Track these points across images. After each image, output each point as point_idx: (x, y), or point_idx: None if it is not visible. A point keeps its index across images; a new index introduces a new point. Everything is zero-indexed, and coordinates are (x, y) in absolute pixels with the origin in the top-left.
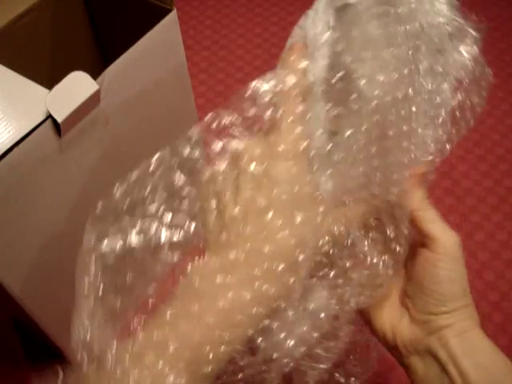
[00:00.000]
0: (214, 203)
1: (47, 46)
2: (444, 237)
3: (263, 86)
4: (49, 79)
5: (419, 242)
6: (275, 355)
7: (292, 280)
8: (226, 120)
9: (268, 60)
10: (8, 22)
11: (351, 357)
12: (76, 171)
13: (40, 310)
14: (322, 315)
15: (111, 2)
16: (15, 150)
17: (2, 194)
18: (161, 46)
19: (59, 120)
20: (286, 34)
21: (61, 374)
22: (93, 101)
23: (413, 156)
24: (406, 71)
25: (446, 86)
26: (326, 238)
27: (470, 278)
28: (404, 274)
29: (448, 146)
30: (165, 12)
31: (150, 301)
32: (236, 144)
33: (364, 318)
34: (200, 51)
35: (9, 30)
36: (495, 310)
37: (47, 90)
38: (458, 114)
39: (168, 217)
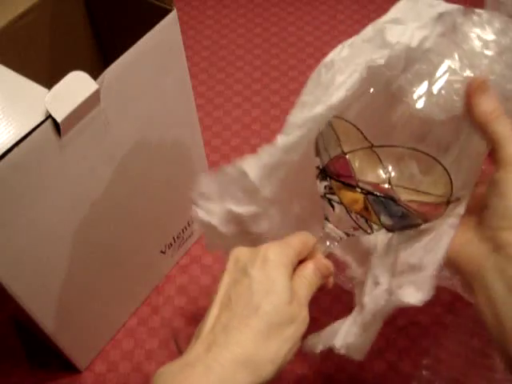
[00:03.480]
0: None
1: (47, 46)
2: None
3: None
4: (49, 79)
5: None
6: None
7: None
8: None
9: (268, 60)
10: (8, 22)
11: None
12: (76, 171)
13: (40, 309)
14: None
15: (111, 2)
16: (15, 149)
17: (2, 194)
18: (161, 46)
19: (59, 120)
20: (286, 34)
21: None
22: (93, 101)
23: None
24: None
25: None
26: None
27: None
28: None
29: None
30: (165, 12)
31: None
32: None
33: None
34: (200, 51)
35: (9, 30)
36: None
37: (47, 90)
38: None
39: None
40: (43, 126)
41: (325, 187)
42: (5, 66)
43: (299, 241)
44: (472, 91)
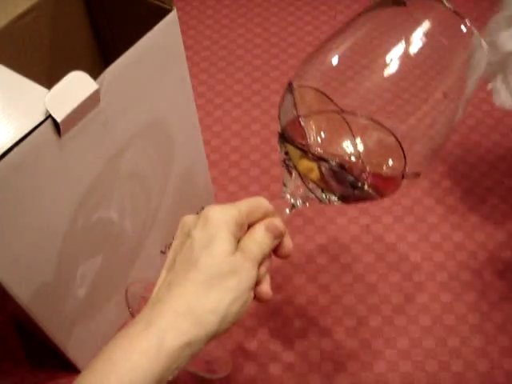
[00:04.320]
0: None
1: (47, 46)
2: None
3: None
4: (49, 79)
5: None
6: None
7: None
8: None
9: (268, 60)
10: (8, 22)
11: None
12: (76, 171)
13: (40, 310)
14: None
15: (111, 2)
16: (15, 149)
17: (2, 194)
18: (161, 46)
19: (59, 120)
20: (286, 34)
21: None
22: (92, 101)
23: None
24: None
25: None
26: None
27: (470, 278)
28: None
29: None
30: (165, 12)
31: None
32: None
33: None
34: (200, 51)
35: (9, 30)
36: (495, 310)
37: (47, 90)
38: None
39: None
40: (43, 125)
41: (285, 153)
42: (5, 66)
43: (248, 203)
44: None
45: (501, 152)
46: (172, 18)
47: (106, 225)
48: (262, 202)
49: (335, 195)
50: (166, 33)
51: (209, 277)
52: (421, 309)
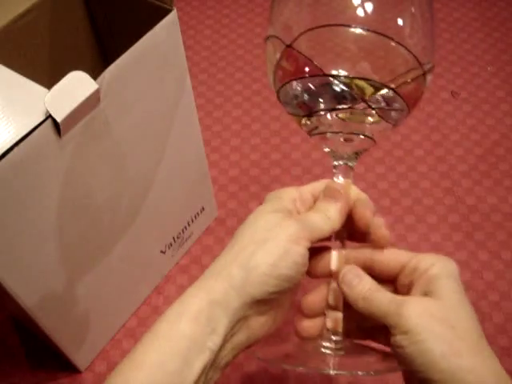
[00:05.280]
0: None
1: (47, 46)
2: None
3: None
4: (49, 79)
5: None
6: None
7: None
8: None
9: None
10: (8, 21)
11: None
12: (76, 171)
13: (40, 310)
14: None
15: (111, 1)
16: (15, 149)
17: (2, 194)
18: (161, 46)
19: (59, 120)
20: None
21: None
22: (92, 101)
23: None
24: None
25: None
26: None
27: (470, 279)
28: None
29: None
30: (165, 12)
31: None
32: None
33: None
34: (200, 51)
35: (8, 30)
36: (495, 310)
37: (47, 90)
38: None
39: None
40: (43, 125)
41: (307, 120)
42: (4, 66)
43: (310, 185)
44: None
45: (501, 152)
46: (172, 17)
47: (107, 224)
48: (329, 181)
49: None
50: (166, 33)
51: (239, 237)
52: None
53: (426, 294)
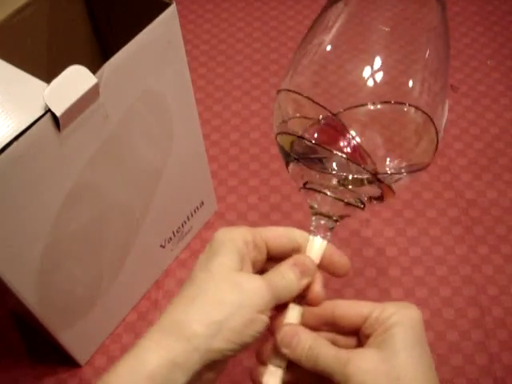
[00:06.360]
0: None
1: (46, 40)
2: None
3: None
4: (48, 73)
5: None
6: None
7: None
8: None
9: (267, 54)
10: (6, 16)
11: None
12: (75, 165)
13: (40, 304)
14: None
15: None
16: (14, 144)
17: (1, 188)
18: (160, 39)
19: (58, 114)
20: (286, 28)
21: None
22: (92, 95)
23: None
24: None
25: None
26: None
27: (469, 273)
28: None
29: None
30: (164, 6)
31: None
32: None
33: None
34: (199, 45)
35: (7, 24)
36: (494, 304)
37: (46, 84)
38: None
39: None
40: (42, 120)
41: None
42: (3, 60)
43: (271, 228)
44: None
45: (500, 146)
46: (171, 11)
47: (106, 219)
48: (292, 230)
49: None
50: (165, 26)
51: (202, 290)
52: (419, 304)
53: (379, 343)
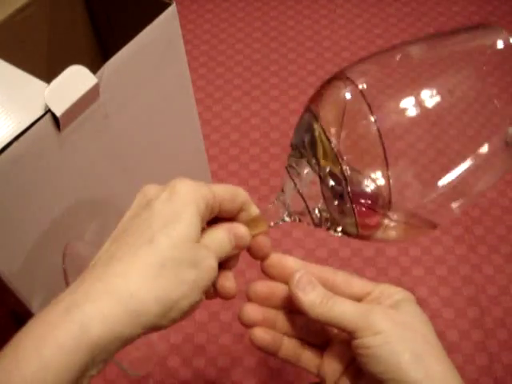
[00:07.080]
0: None
1: (46, 40)
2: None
3: None
4: (48, 73)
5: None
6: None
7: None
8: None
9: (267, 54)
10: (7, 16)
11: None
12: (75, 165)
13: (40, 304)
14: None
15: None
16: (14, 144)
17: (2, 188)
18: (160, 39)
19: (58, 114)
20: (286, 28)
21: None
22: (92, 95)
23: None
24: None
25: None
26: None
27: (469, 272)
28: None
29: None
30: (164, 6)
31: None
32: None
33: None
34: (199, 45)
35: (7, 24)
36: (494, 304)
37: (46, 84)
38: None
39: None
40: (42, 120)
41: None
42: (4, 60)
43: (224, 188)
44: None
45: None
46: (171, 11)
47: (106, 217)
48: (240, 192)
49: (339, 223)
50: (165, 27)
51: (164, 260)
52: (419, 304)
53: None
